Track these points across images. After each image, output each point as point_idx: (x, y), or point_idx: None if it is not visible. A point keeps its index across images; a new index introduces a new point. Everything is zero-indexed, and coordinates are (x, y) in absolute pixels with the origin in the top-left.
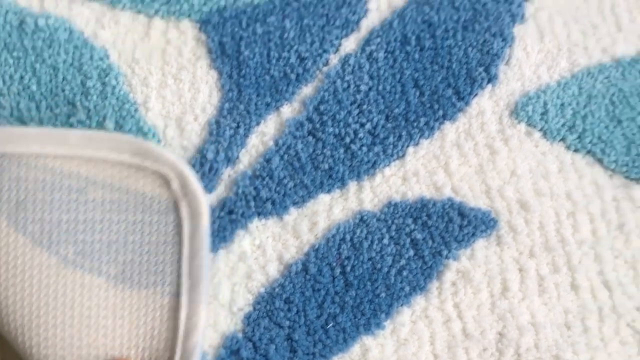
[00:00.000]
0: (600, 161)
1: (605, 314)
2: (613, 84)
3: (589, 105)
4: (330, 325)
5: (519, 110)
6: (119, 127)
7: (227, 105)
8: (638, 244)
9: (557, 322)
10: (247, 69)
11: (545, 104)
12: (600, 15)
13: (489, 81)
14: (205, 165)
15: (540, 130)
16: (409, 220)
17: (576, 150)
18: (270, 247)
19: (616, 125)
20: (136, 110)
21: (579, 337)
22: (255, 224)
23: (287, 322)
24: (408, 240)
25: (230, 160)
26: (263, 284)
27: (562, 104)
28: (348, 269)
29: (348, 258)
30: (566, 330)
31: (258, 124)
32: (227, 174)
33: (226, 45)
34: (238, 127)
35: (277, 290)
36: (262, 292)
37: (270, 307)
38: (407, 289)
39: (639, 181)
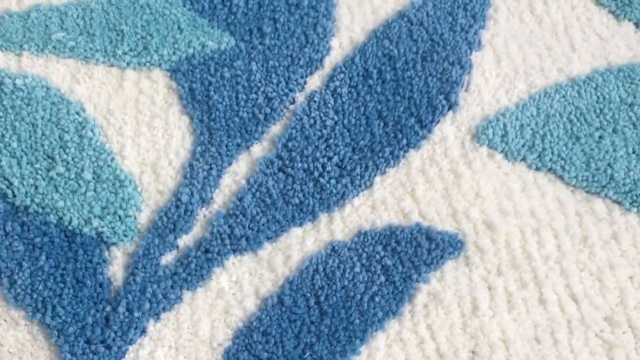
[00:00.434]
0: (561, 178)
1: (574, 325)
2: (570, 102)
3: (547, 124)
4: (308, 354)
5: (480, 134)
6: (96, 176)
7: (199, 148)
8: (602, 255)
9: (527, 336)
10: (217, 112)
11: (505, 126)
12: (555, 36)
13: (450, 108)
14: (181, 207)
15: (502, 151)
16: (379, 248)
17: (537, 169)
18: (247, 282)
19: (575, 142)
20: (112, 159)
21: (549, 350)
22: (232, 260)
23: (266, 354)
24: (379, 267)
25: (204, 201)
26: (241, 319)
27: (522, 125)
28: (322, 298)
29: (322, 288)
30: (536, 344)
31: (230, 164)
32: (202, 214)
33: (196, 91)
34: (211, 168)
35: (254, 323)
36: (240, 326)
37: (249, 340)
38: (380, 314)
39: (600, 195)
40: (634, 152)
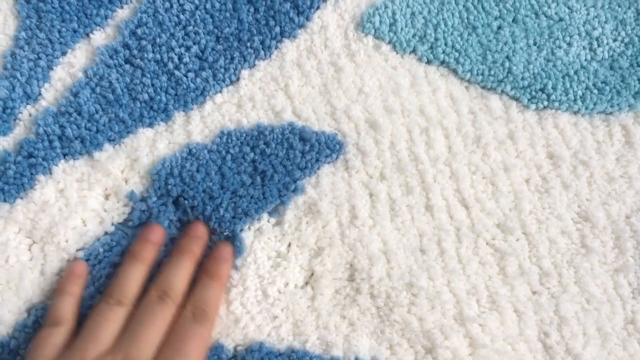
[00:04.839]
0: (454, 72)
1: (463, 233)
2: None
3: (441, 12)
4: None
5: (365, 23)
6: None
7: (24, 34)
8: (496, 156)
9: (410, 247)
10: None
11: (393, 13)
12: None
13: None
14: None
15: (389, 42)
16: (247, 149)
17: (429, 62)
18: (74, 191)
19: (471, 32)
20: None
21: (434, 261)
22: (62, 166)
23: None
24: (250, 168)
25: (30, 97)
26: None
27: (413, 13)
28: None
29: (175, 192)
30: (421, 255)
31: (64, 53)
32: (27, 112)
33: None
34: (39, 58)
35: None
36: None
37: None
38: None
39: (497, 90)
40: (535, 44)
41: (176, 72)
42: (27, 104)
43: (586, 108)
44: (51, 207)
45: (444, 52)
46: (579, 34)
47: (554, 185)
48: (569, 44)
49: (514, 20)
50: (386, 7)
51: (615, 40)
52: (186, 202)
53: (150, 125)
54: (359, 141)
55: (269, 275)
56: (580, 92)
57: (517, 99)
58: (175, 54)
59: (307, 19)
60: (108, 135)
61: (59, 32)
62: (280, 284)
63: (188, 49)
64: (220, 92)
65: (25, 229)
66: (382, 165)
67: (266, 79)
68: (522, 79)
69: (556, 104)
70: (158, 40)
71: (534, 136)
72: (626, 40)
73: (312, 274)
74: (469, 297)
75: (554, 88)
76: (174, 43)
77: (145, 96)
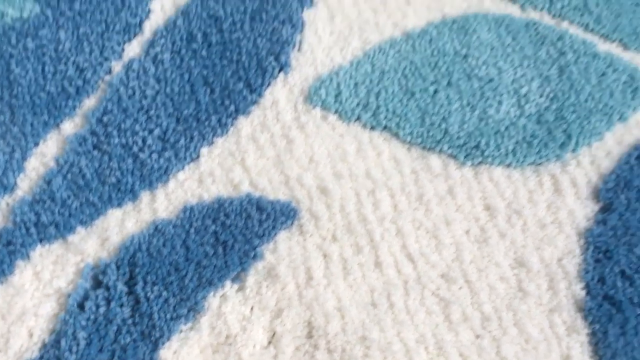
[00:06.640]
0: (396, 135)
1: (410, 286)
2: (404, 57)
3: (382, 81)
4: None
5: (312, 95)
6: None
7: None
8: (438, 212)
9: (363, 302)
10: (20, 88)
11: (338, 85)
12: None
13: (281, 69)
14: None
15: (336, 112)
16: (209, 222)
17: (373, 128)
18: (48, 272)
19: (410, 97)
20: None
21: (384, 314)
22: (39, 251)
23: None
24: (212, 239)
25: (6, 188)
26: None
27: (356, 84)
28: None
29: (142, 265)
30: (372, 309)
31: (36, 144)
32: (5, 202)
33: None
34: (13, 151)
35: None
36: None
37: (56, 352)
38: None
39: (435, 150)
40: (468, 105)
41: (141, 155)
42: (5, 194)
43: (517, 161)
44: (26, 291)
45: (385, 117)
46: (508, 92)
47: (492, 235)
48: (500, 103)
49: (449, 84)
50: (331, 79)
51: (541, 96)
52: (148, 277)
53: (119, 205)
54: (311, 206)
55: (240, 339)
56: (511, 147)
57: (454, 157)
58: (140, 137)
59: (260, 95)
60: (80, 219)
61: (31, 125)
62: (250, 346)
63: (151, 131)
64: (182, 169)
65: (1, 312)
66: (334, 227)
67: (224, 154)
68: (458, 138)
69: (490, 159)
70: (123, 125)
71: (471, 190)
72: (551, 95)
73: (274, 334)
74: (417, 346)
75: (487, 144)
76: (137, 127)
77: (113, 179)
